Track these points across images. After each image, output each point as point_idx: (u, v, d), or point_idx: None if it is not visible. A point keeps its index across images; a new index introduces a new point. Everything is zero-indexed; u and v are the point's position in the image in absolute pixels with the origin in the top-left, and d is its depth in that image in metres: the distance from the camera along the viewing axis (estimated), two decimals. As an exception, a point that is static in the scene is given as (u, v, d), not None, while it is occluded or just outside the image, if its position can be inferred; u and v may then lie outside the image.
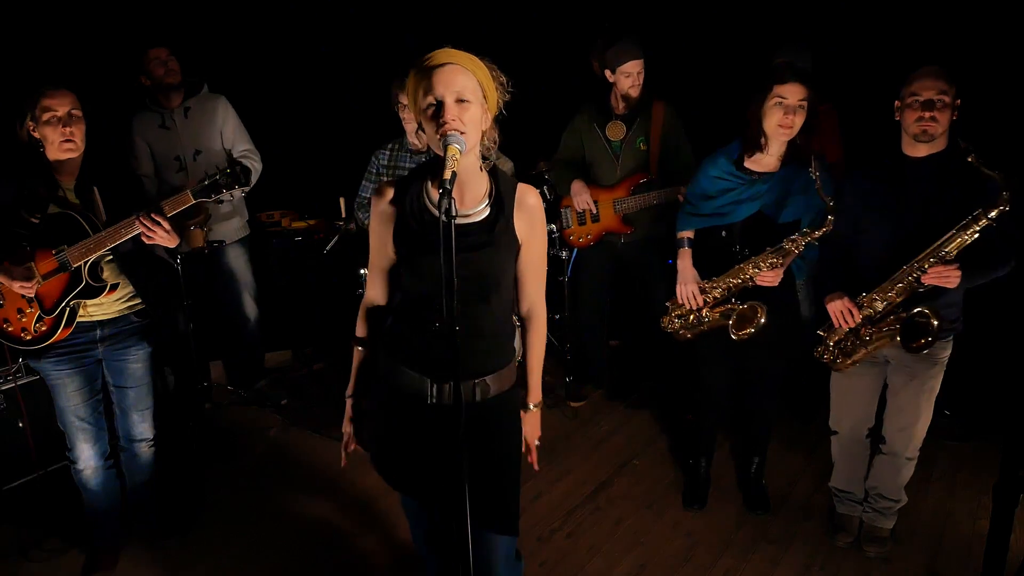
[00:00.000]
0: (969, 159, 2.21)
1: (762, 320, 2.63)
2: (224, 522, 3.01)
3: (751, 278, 2.68)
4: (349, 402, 1.95)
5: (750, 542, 2.82)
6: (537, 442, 1.98)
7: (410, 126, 3.42)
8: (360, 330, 1.93)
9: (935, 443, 3.30)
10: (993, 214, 2.19)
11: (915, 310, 2.34)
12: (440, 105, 1.56)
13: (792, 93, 2.50)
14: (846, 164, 3.35)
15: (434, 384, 1.75)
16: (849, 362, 2.55)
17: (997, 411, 3.47)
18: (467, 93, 1.57)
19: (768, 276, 2.66)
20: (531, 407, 1.94)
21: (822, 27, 3.78)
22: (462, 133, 1.54)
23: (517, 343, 1.92)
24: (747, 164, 2.68)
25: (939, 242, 2.29)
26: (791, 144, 2.59)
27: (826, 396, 2.78)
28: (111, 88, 3.77)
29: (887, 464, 2.66)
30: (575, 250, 3.91)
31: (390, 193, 1.74)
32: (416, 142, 3.49)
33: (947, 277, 2.27)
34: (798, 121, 2.52)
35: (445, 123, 1.54)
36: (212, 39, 4.17)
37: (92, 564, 2.71)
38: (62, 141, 2.34)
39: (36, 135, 2.35)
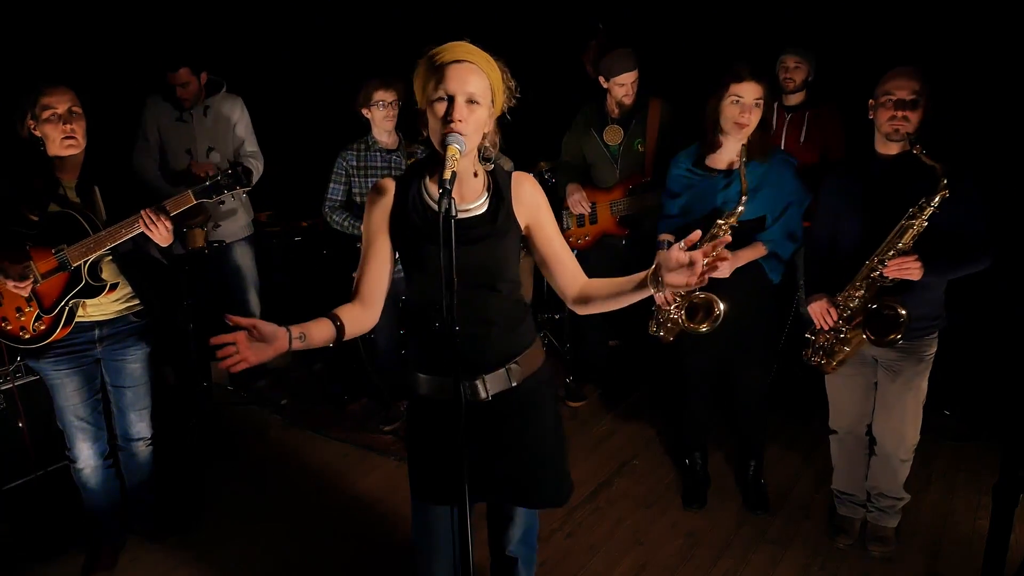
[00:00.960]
0: (914, 151, 2.24)
1: (719, 312, 2.62)
2: (224, 522, 3.01)
3: None
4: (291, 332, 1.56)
5: (750, 542, 2.82)
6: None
7: (385, 123, 3.42)
8: (337, 309, 1.71)
9: (935, 443, 3.30)
10: (935, 201, 2.22)
11: (879, 303, 2.36)
12: (451, 101, 1.57)
13: (748, 92, 2.54)
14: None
15: (465, 382, 1.74)
16: (834, 363, 2.55)
17: (997, 411, 3.47)
18: (478, 95, 1.58)
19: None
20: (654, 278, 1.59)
21: (822, 27, 3.78)
22: (463, 135, 1.56)
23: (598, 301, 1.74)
24: (707, 162, 2.74)
25: (892, 234, 2.32)
26: (749, 141, 2.61)
27: (824, 396, 2.77)
28: (114, 87, 3.78)
29: (882, 465, 2.66)
30: (575, 251, 3.91)
31: (391, 188, 1.75)
32: (386, 140, 3.49)
33: (907, 268, 2.27)
34: (754, 119, 2.57)
35: (451, 121, 1.55)
36: (212, 39, 4.17)
37: (92, 563, 2.71)
38: (63, 138, 2.34)
39: (37, 133, 2.35)
